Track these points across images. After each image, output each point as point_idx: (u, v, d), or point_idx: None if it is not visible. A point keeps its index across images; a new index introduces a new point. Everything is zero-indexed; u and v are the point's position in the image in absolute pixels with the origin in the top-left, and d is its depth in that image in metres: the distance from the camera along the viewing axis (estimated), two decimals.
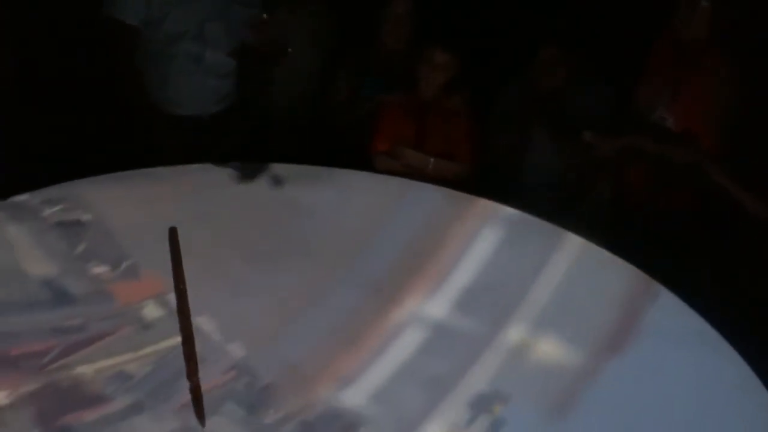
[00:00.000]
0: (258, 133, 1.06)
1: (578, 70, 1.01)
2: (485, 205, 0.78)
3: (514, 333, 0.67)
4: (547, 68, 1.02)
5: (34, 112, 0.95)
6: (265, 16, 0.84)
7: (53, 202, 0.70)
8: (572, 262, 0.72)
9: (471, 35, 1.05)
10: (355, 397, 0.62)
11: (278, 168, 0.81)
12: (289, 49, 0.89)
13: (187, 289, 0.60)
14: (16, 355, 0.57)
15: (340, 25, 1.10)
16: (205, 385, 0.61)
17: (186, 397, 0.59)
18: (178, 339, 0.64)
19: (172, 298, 0.67)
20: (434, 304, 0.70)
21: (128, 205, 0.74)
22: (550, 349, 0.65)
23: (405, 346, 0.65)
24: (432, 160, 1.01)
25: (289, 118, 1.09)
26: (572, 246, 0.73)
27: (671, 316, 0.66)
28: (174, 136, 0.96)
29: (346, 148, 1.05)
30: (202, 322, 0.66)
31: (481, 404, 0.60)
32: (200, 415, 0.50)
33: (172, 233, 0.63)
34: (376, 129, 1.05)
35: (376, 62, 1.09)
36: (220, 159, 0.84)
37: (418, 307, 0.68)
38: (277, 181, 0.80)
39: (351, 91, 1.10)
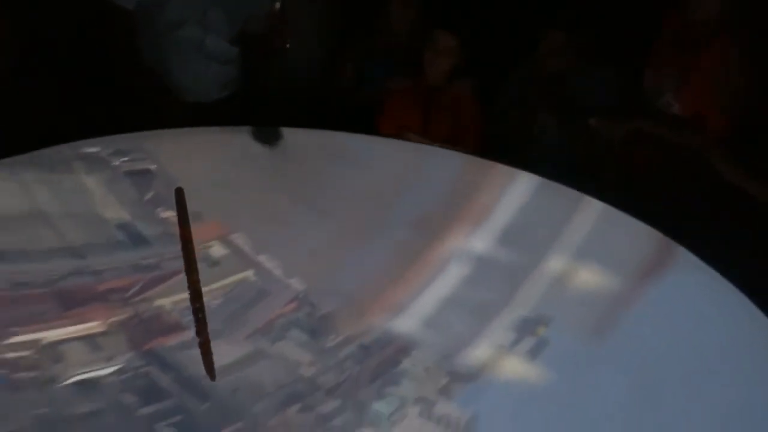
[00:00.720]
0: (261, 118, 1.12)
1: (585, 54, 1.02)
2: (506, 170, 0.81)
3: (554, 263, 0.73)
4: (553, 52, 1.02)
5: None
6: (278, 5, 0.86)
7: (122, 152, 0.75)
8: (600, 218, 0.78)
9: (476, 19, 1.05)
10: (406, 323, 0.69)
11: (308, 134, 0.86)
12: (287, 45, 0.90)
13: (194, 248, 0.63)
14: (103, 290, 0.63)
15: (345, 10, 1.09)
16: (270, 315, 0.68)
17: (256, 324, 0.66)
18: (243, 275, 0.71)
19: (234, 238, 0.74)
20: (476, 240, 0.76)
21: (187, 156, 0.80)
22: (589, 277, 0.72)
23: (451, 277, 0.72)
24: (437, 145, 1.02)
25: (293, 103, 1.08)
26: (597, 207, 0.79)
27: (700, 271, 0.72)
28: (177, 120, 0.98)
29: (351, 133, 1.09)
30: (263, 260, 0.72)
31: (525, 327, 0.67)
32: (210, 369, 0.53)
33: (179, 194, 0.68)
34: (381, 114, 1.05)
35: (382, 47, 1.09)
36: None
37: (460, 244, 0.75)
38: (304, 149, 0.85)
39: (356, 76, 1.10)
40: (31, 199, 0.67)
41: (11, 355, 0.53)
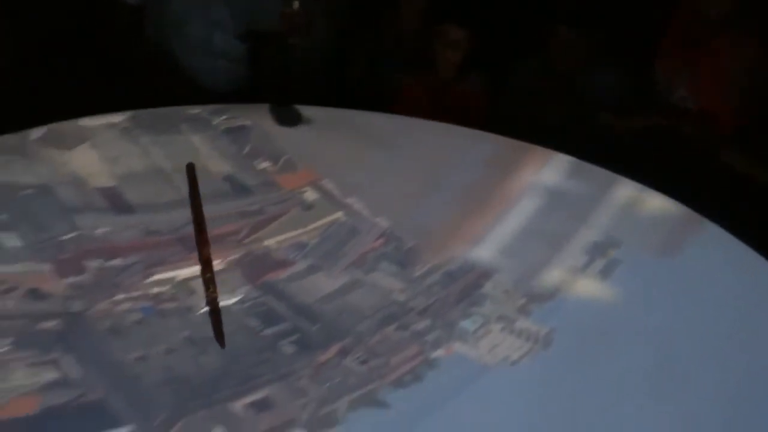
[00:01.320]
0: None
1: (596, 49, 1.00)
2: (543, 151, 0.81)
3: (623, 192, 0.78)
4: (564, 47, 1.00)
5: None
6: (296, 4, 0.81)
7: (219, 112, 0.83)
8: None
9: (487, 13, 1.03)
10: (485, 252, 0.74)
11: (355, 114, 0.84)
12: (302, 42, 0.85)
13: (205, 219, 0.67)
14: (218, 234, 0.71)
15: (355, 4, 1.07)
16: (361, 250, 0.74)
17: (350, 259, 0.73)
18: (335, 216, 0.78)
19: (325, 184, 0.80)
20: (547, 174, 0.81)
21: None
22: (657, 204, 0.76)
23: (524, 209, 0.77)
24: None
25: (304, 98, 1.02)
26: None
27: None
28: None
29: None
30: (351, 202, 0.78)
31: (596, 250, 0.72)
32: (219, 334, 0.56)
33: (190, 170, 0.71)
34: (392, 109, 0.99)
35: (393, 41, 1.08)
36: None
37: (532, 178, 0.80)
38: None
39: (367, 71, 1.09)
40: (150, 159, 0.76)
41: (154, 290, 0.62)
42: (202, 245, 0.64)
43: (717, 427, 0.56)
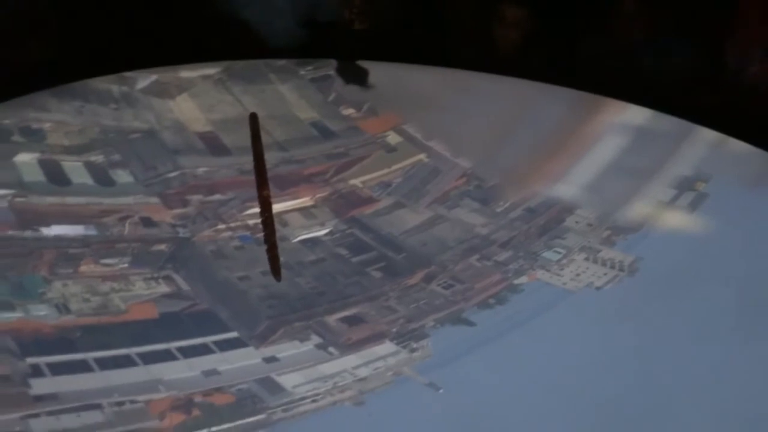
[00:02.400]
0: None
1: (662, 25, 0.91)
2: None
3: (708, 132, 0.75)
4: (627, 22, 0.92)
5: None
6: None
7: (304, 63, 0.86)
8: None
9: None
10: (568, 189, 0.74)
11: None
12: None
13: (266, 163, 0.67)
14: (307, 174, 0.75)
15: None
16: (444, 188, 0.77)
17: (433, 196, 0.76)
18: (418, 158, 0.80)
19: (406, 128, 0.83)
20: (632, 114, 0.79)
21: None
22: (744, 148, 0.72)
23: (609, 146, 0.76)
24: None
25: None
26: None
27: None
28: None
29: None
30: (433, 144, 0.81)
31: (684, 184, 0.70)
32: (276, 270, 0.57)
33: (253, 119, 0.71)
34: None
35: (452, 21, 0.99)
36: None
37: (616, 118, 0.79)
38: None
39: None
40: (241, 107, 0.81)
41: (251, 222, 0.67)
42: (261, 187, 0.64)
43: None
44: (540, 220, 0.73)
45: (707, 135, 0.75)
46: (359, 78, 0.86)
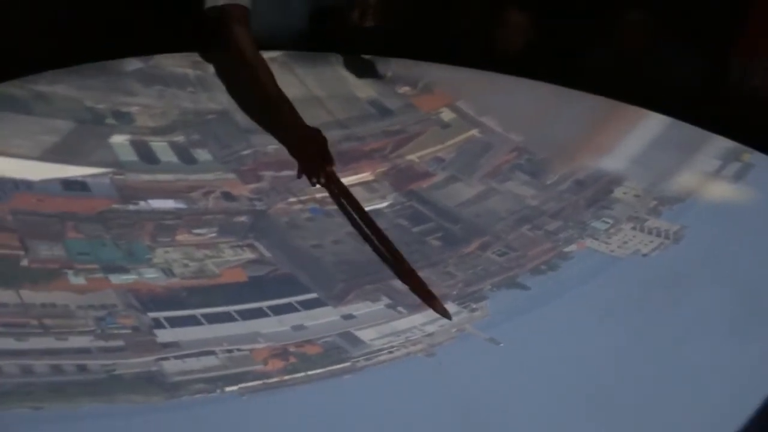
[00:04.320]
0: None
1: (667, 34, 0.94)
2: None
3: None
4: (632, 31, 0.96)
5: None
6: None
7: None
8: None
9: None
10: (615, 162, 0.78)
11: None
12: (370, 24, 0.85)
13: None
14: (367, 150, 0.80)
15: None
16: (496, 162, 0.80)
17: (485, 170, 0.78)
18: (470, 133, 0.84)
19: (460, 105, 0.87)
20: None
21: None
22: None
23: (654, 123, 0.80)
24: None
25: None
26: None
27: None
28: None
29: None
30: (485, 120, 0.85)
31: (729, 155, 0.75)
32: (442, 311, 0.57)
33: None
34: None
35: (455, 25, 1.04)
36: None
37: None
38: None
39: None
40: (305, 87, 0.86)
41: (319, 195, 0.72)
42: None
43: None
44: (588, 191, 0.77)
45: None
46: (369, 71, 0.88)
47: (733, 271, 0.64)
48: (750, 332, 0.57)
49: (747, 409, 0.50)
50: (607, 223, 0.70)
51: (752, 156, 0.75)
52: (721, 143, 0.77)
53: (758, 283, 0.62)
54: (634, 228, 0.70)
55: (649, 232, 0.69)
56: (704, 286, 0.62)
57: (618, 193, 0.73)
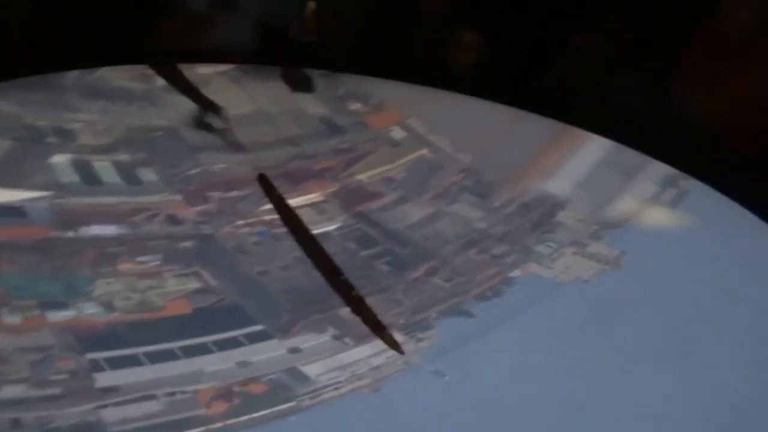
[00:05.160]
0: None
1: (615, 60, 0.95)
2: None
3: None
4: (580, 56, 0.96)
5: None
6: (312, 4, 0.83)
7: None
8: None
9: (505, 17, 0.99)
10: (559, 185, 0.80)
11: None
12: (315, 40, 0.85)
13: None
14: (317, 170, 0.79)
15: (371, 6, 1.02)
16: (445, 183, 0.81)
17: (435, 191, 0.79)
18: (420, 152, 0.85)
19: (411, 123, 0.87)
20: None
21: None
22: None
23: (598, 146, 0.81)
24: None
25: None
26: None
27: None
28: None
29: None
30: (435, 139, 0.86)
31: (667, 181, 0.77)
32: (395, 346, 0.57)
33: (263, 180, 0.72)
34: None
35: (408, 42, 1.01)
36: None
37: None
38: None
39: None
40: (255, 103, 0.85)
41: (267, 217, 0.72)
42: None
43: None
44: (534, 214, 0.78)
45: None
46: (304, 85, 0.86)
47: (669, 298, 0.66)
48: (683, 359, 0.59)
49: None
50: (551, 247, 0.72)
51: (689, 183, 0.79)
52: (660, 169, 0.80)
53: (692, 309, 0.65)
54: (576, 253, 0.71)
55: (590, 258, 0.71)
56: (641, 312, 0.65)
57: (561, 216, 0.75)
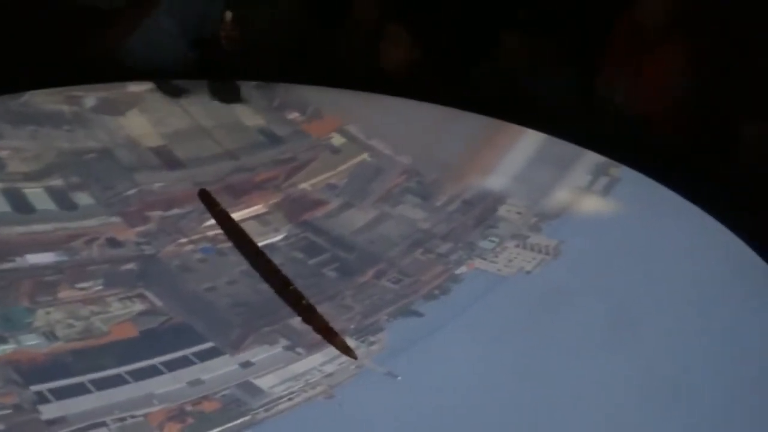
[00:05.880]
0: None
1: (542, 55, 0.99)
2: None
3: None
4: (509, 53, 1.00)
5: None
6: (229, 14, 0.83)
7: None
8: None
9: (436, 15, 1.01)
10: (499, 180, 0.82)
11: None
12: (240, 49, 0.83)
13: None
14: (258, 181, 0.79)
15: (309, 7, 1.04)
16: (387, 186, 0.81)
17: (377, 194, 0.80)
18: (361, 157, 0.85)
19: (350, 128, 0.88)
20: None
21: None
22: None
23: (531, 139, 0.84)
24: None
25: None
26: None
27: None
28: None
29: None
30: (375, 143, 0.86)
31: (599, 170, 0.79)
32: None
33: (203, 195, 0.71)
34: None
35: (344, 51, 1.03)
36: None
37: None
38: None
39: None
40: (191, 118, 0.84)
41: (210, 233, 0.70)
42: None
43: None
44: (476, 211, 0.80)
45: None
46: (255, 97, 0.85)
47: (607, 282, 0.69)
48: (624, 341, 0.61)
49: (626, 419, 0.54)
50: (494, 242, 0.74)
51: (619, 170, 0.81)
52: (592, 158, 0.83)
53: (629, 292, 0.68)
54: (517, 246, 0.73)
55: (531, 249, 0.73)
56: (582, 298, 0.66)
57: (502, 211, 0.77)
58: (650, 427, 0.53)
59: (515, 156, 0.85)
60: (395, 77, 1.03)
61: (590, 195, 0.80)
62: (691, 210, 0.75)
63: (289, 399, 0.54)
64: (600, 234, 0.76)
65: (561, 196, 0.79)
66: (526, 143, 0.87)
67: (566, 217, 0.76)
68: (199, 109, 0.85)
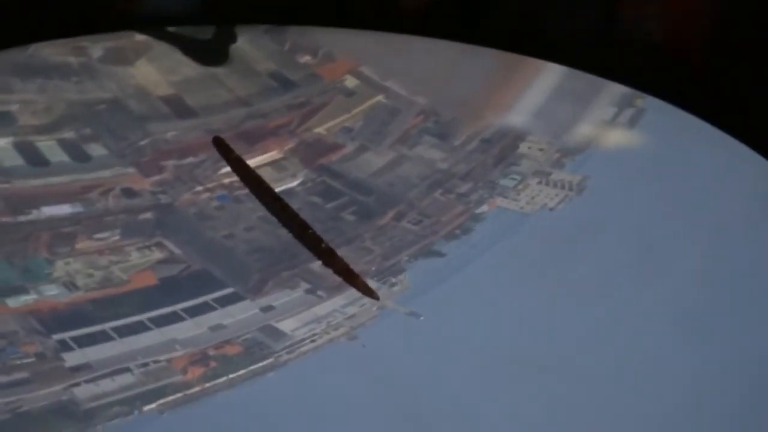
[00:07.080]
0: None
1: None
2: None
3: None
4: None
5: None
6: None
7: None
8: None
9: None
10: (518, 117, 0.79)
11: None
12: None
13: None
14: (272, 127, 0.77)
15: None
16: (404, 127, 0.79)
17: (394, 136, 0.78)
18: (376, 99, 0.83)
19: (363, 70, 0.85)
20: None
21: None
22: None
23: (551, 74, 0.80)
24: None
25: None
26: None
27: None
28: None
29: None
30: (390, 84, 0.83)
31: (624, 101, 0.76)
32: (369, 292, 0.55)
33: (218, 142, 0.69)
34: None
35: None
36: None
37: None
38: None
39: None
40: (201, 65, 0.82)
41: (226, 180, 0.70)
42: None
43: None
44: (495, 149, 0.78)
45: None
46: (266, 42, 0.82)
47: (632, 218, 0.67)
48: (649, 279, 0.59)
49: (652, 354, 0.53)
50: (515, 179, 0.72)
51: (644, 101, 0.78)
52: (616, 89, 0.80)
53: (656, 228, 0.66)
54: (540, 182, 0.71)
55: (554, 185, 0.71)
56: (607, 235, 0.65)
57: (523, 148, 0.74)
58: (681, 363, 0.52)
59: (535, 91, 0.82)
60: (410, 15, 1.02)
61: (615, 128, 0.78)
62: (723, 139, 0.71)
63: (312, 341, 0.53)
64: (626, 168, 0.73)
65: (584, 130, 0.77)
66: (547, 77, 0.84)
67: (590, 151, 0.74)
68: (208, 56, 0.84)
